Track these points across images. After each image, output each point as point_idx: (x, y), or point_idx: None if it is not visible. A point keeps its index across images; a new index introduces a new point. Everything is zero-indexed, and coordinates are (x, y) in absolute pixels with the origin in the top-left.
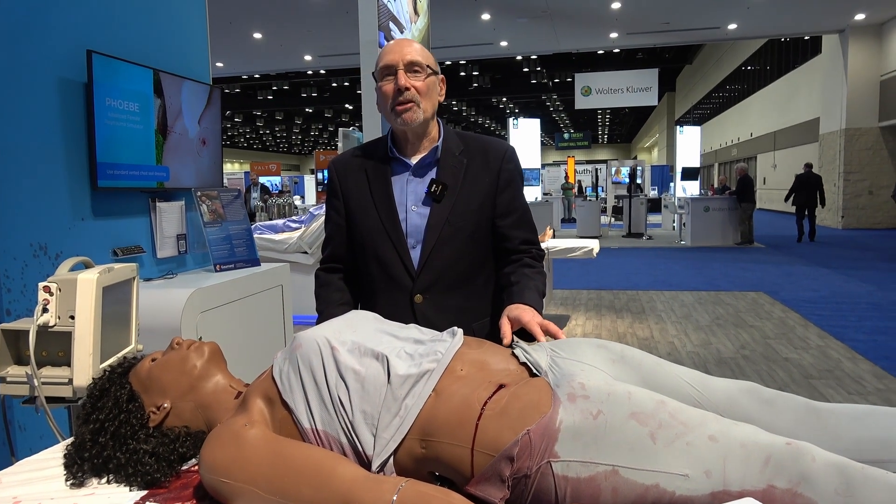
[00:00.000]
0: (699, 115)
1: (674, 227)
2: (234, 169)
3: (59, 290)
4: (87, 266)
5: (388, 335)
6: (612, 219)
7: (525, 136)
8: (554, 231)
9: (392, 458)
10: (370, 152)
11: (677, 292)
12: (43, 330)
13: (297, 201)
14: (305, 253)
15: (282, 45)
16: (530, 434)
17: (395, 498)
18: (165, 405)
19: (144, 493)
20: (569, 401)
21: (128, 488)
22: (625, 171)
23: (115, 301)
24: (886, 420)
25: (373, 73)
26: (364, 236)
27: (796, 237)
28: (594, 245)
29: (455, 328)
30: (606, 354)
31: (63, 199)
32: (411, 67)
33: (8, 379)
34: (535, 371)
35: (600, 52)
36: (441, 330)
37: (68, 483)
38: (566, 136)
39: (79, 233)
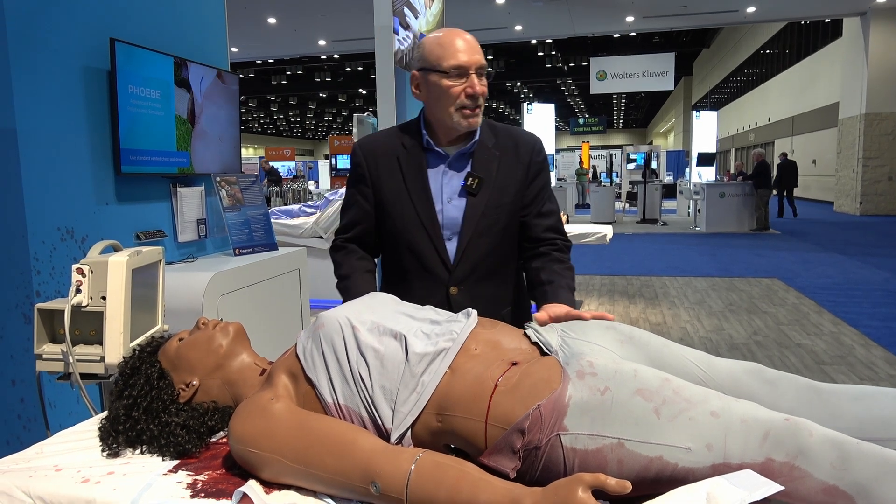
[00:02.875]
0: (716, 100)
1: (689, 213)
2: (248, 154)
3: (92, 272)
4: (115, 249)
5: (405, 316)
6: (627, 204)
7: (539, 121)
8: (568, 217)
9: (410, 431)
10: (401, 138)
11: (691, 278)
12: (76, 310)
13: (311, 186)
14: (321, 238)
15: (296, 29)
16: (541, 408)
17: (412, 467)
18: (194, 382)
19: (177, 462)
20: (578, 378)
21: (160, 458)
22: (640, 156)
23: (142, 283)
24: (886, 400)
25: (424, 62)
26: (399, 228)
27: (792, 217)
28: (607, 231)
29: (470, 309)
30: (615, 335)
31: (88, 185)
32: (481, 71)
33: (44, 356)
34: (545, 350)
35: (616, 35)
36: None
37: (104, 454)
38: (581, 121)
39: (103, 217)
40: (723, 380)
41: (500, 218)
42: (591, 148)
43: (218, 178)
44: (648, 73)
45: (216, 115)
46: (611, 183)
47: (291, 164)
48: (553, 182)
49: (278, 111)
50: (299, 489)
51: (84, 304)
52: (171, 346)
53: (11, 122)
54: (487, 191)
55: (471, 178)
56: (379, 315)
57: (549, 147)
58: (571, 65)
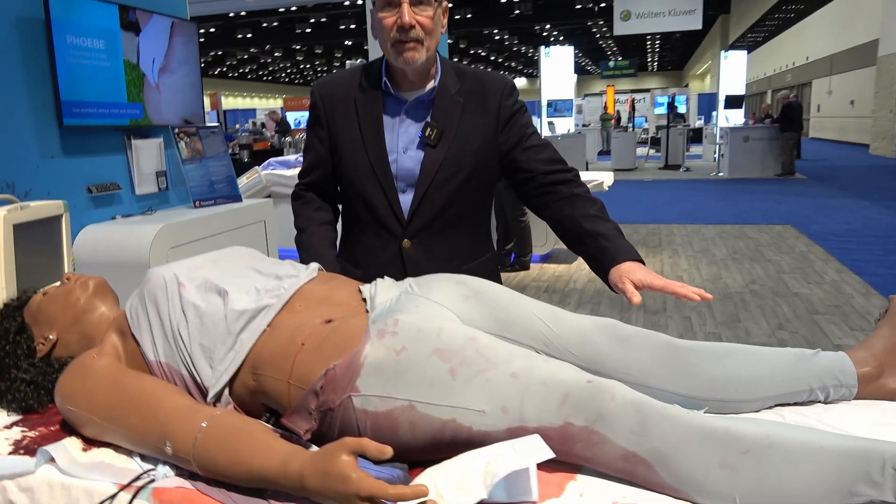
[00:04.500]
0: (753, 40)
1: (715, 158)
2: (272, 104)
3: None
4: (9, 202)
5: (254, 271)
6: (653, 150)
7: (557, 65)
8: (588, 164)
9: (228, 390)
10: (360, 81)
11: (700, 226)
12: None
13: None
14: None
15: None
16: (336, 369)
17: (204, 424)
18: (52, 336)
19: (19, 417)
20: (377, 337)
21: (6, 413)
22: (664, 99)
23: (36, 238)
24: (744, 359)
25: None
26: (351, 176)
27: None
28: (605, 178)
29: (314, 263)
30: (461, 290)
31: (28, 138)
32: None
33: None
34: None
35: None
36: (429, 273)
37: None
38: (611, 64)
39: (48, 171)
40: (570, 337)
41: (459, 170)
42: (621, 92)
43: (176, 130)
44: (675, 11)
45: (172, 66)
46: (633, 128)
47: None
48: (571, 129)
49: (304, 60)
50: (116, 448)
51: None
52: (35, 301)
53: None
54: (448, 141)
55: (429, 129)
56: (222, 270)
57: (568, 92)
58: (602, 5)
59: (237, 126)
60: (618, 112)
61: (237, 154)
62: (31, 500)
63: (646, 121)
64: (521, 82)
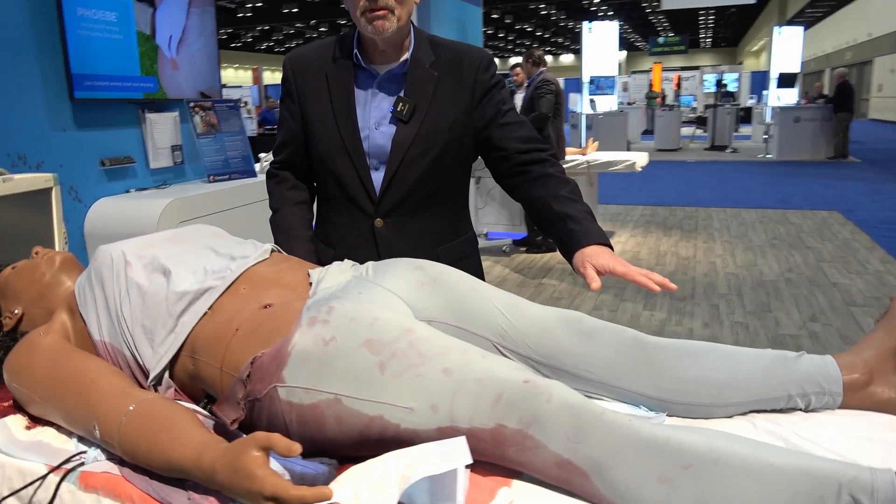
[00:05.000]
0: (812, 15)
1: (765, 138)
2: None
3: None
4: (2, 174)
5: (210, 250)
6: (697, 130)
7: (600, 40)
8: (629, 143)
9: (169, 373)
10: (333, 53)
11: (741, 210)
12: None
13: None
14: None
15: None
16: (263, 357)
17: (131, 408)
18: (17, 311)
19: None
20: (308, 325)
21: None
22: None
23: (20, 211)
24: (719, 360)
25: None
26: (322, 152)
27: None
28: (639, 158)
29: (268, 244)
30: (417, 277)
31: (40, 111)
32: None
33: None
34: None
35: None
36: (401, 254)
37: None
38: (661, 40)
39: (61, 143)
40: (528, 329)
41: (433, 147)
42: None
43: (191, 104)
44: None
45: (189, 38)
46: (678, 106)
47: None
48: (613, 107)
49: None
50: (59, 428)
51: None
52: (3, 275)
53: None
54: (420, 117)
55: (401, 104)
56: (175, 249)
57: (611, 69)
58: None
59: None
60: (663, 90)
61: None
62: None
63: (694, 99)
64: (567, 58)
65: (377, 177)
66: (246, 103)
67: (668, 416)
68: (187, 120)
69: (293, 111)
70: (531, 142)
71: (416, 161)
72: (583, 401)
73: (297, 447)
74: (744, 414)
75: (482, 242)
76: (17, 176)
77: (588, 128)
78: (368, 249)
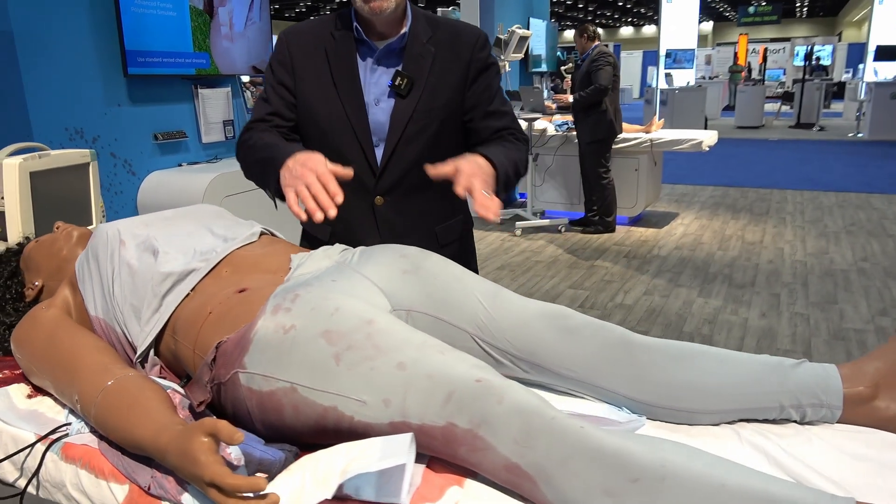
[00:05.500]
0: None
1: (857, 116)
2: None
3: None
4: (41, 151)
5: (207, 231)
6: (783, 106)
7: (680, 11)
8: (707, 120)
9: (155, 350)
10: (329, 30)
11: (819, 192)
12: None
13: None
14: None
15: None
16: (228, 343)
17: (109, 383)
18: (38, 283)
19: None
20: (271, 312)
21: None
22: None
23: (60, 184)
24: (708, 364)
25: None
26: (325, 128)
27: None
28: (706, 137)
29: (257, 227)
30: (401, 265)
31: (96, 87)
32: None
33: None
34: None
35: None
36: (401, 233)
37: None
38: (751, 9)
39: (115, 118)
40: (508, 322)
41: (431, 123)
42: (755, 41)
43: (243, 80)
44: None
45: (243, 13)
46: (762, 81)
47: None
48: (691, 81)
49: (427, 6)
50: (56, 399)
51: None
52: (27, 248)
53: (7, 24)
54: (418, 92)
55: (399, 78)
56: (171, 229)
57: (690, 41)
58: None
59: None
60: (749, 63)
61: None
62: None
63: (783, 73)
64: (650, 29)
65: (377, 153)
66: None
67: (650, 419)
68: (239, 95)
69: (288, 83)
70: (504, 130)
71: (414, 138)
72: (535, 405)
73: (240, 436)
74: (731, 423)
75: (537, 221)
76: (54, 152)
77: (662, 103)
78: (369, 228)
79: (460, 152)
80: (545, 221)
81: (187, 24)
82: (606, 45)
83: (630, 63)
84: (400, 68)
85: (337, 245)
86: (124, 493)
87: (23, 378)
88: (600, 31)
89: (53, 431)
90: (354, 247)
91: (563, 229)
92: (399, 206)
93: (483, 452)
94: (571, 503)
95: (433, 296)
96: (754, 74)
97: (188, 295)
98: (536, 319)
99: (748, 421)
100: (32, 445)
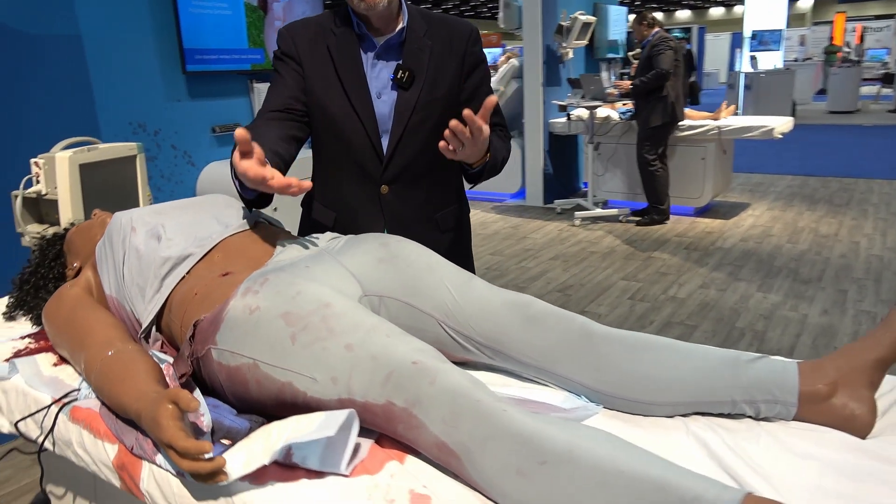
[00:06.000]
0: None
1: None
2: None
3: (45, 166)
4: (91, 144)
5: (213, 219)
6: (883, 89)
7: None
8: (795, 104)
9: (157, 327)
10: (329, 26)
11: None
12: (41, 198)
13: None
14: None
15: None
16: (204, 321)
17: (109, 354)
18: (76, 265)
19: (37, 329)
20: (242, 294)
21: (31, 325)
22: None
23: (109, 175)
24: (665, 357)
25: None
26: (332, 121)
27: None
28: (779, 124)
29: (257, 215)
30: (379, 253)
31: (157, 83)
32: None
33: (26, 235)
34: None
35: None
36: (406, 220)
37: (3, 315)
38: None
39: (175, 112)
40: (473, 310)
41: (432, 114)
42: (854, 19)
43: None
44: None
45: (295, 7)
46: (859, 62)
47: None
48: (779, 64)
49: None
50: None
51: (44, 193)
52: (70, 233)
53: (76, 28)
54: (419, 84)
55: (401, 71)
56: (181, 217)
57: (778, 22)
58: None
59: None
60: (847, 43)
61: None
62: (6, 399)
63: (888, 53)
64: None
65: (383, 143)
66: None
67: (608, 408)
68: None
69: (296, 70)
70: (494, 126)
71: (417, 128)
72: (465, 388)
73: (195, 404)
74: (686, 416)
75: (597, 211)
76: (103, 145)
77: (747, 88)
78: (374, 215)
79: None
80: (608, 211)
81: (242, 21)
82: (668, 31)
83: (716, 46)
84: (400, 62)
85: (327, 233)
86: (114, 452)
87: (51, 348)
88: (719, 9)
89: (65, 396)
90: (357, 234)
91: (622, 218)
92: (403, 194)
93: (417, 430)
94: (490, 481)
95: (405, 283)
96: (852, 55)
97: (184, 277)
98: (501, 308)
99: (703, 414)
100: (48, 407)
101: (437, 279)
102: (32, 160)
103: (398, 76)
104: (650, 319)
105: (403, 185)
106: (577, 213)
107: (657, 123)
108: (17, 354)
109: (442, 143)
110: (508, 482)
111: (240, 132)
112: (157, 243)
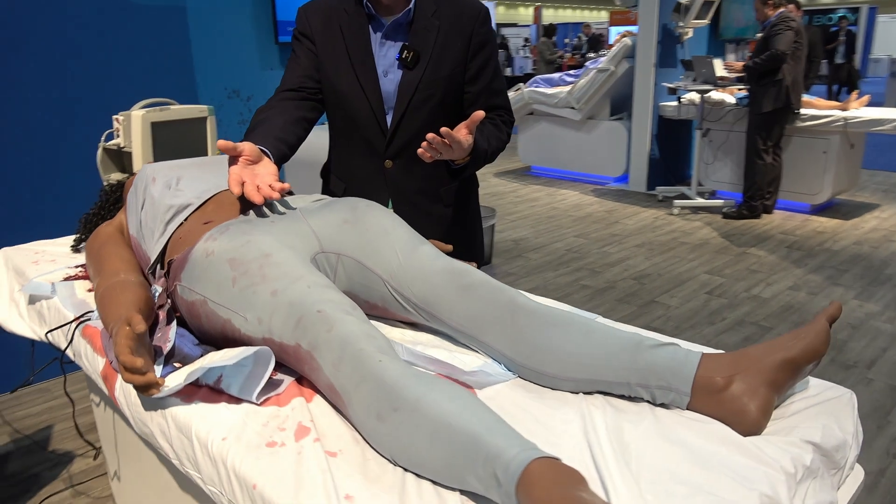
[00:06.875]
0: None
1: None
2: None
3: (124, 122)
4: (166, 105)
5: (222, 177)
6: None
7: None
8: (869, 99)
9: (160, 265)
10: (343, 6)
11: None
12: (119, 150)
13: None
14: (573, 108)
15: None
16: (176, 261)
17: (111, 282)
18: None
19: None
20: (205, 240)
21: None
22: None
23: (181, 134)
24: (573, 334)
25: None
26: (341, 97)
27: None
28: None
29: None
30: (344, 215)
31: (252, 53)
32: None
33: (109, 181)
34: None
35: None
36: (409, 193)
37: (72, 248)
38: None
39: (268, 80)
40: (414, 275)
41: (435, 93)
42: None
43: None
44: None
45: None
46: None
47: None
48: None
49: None
50: None
51: (122, 146)
52: (129, 181)
53: (182, 0)
54: (423, 64)
55: (406, 51)
56: (197, 172)
57: None
58: None
59: (566, 40)
60: None
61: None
62: (49, 315)
63: None
64: None
65: (388, 120)
66: (527, 40)
67: (522, 378)
68: None
69: (311, 49)
70: (496, 109)
71: (420, 105)
72: (354, 337)
73: (141, 327)
74: (589, 393)
75: (699, 201)
76: (176, 106)
77: (892, 75)
78: (379, 187)
79: (463, 120)
80: (712, 202)
81: None
82: (832, 10)
83: (891, 29)
84: (407, 42)
85: (315, 195)
86: (103, 365)
87: (88, 276)
88: None
89: (83, 315)
90: None
91: (726, 210)
92: (406, 169)
93: (317, 372)
94: (360, 421)
95: (361, 244)
96: None
97: (182, 224)
98: (439, 275)
99: (605, 394)
100: (69, 323)
101: (388, 242)
102: (114, 116)
103: (403, 56)
104: (722, 316)
105: (407, 161)
106: (675, 201)
107: (768, 109)
108: (67, 279)
109: (420, 150)
110: (370, 424)
111: (221, 143)
112: (168, 192)
